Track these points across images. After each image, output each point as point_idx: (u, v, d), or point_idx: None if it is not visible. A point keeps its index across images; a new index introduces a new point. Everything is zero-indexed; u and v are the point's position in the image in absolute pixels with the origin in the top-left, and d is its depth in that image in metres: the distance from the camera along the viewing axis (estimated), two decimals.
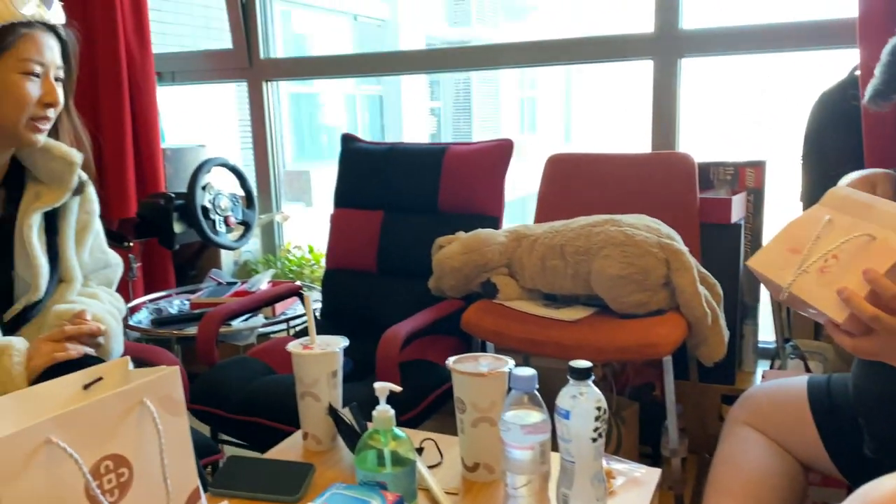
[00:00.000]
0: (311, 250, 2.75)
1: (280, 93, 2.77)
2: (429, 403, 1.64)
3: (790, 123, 1.86)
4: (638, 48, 2.13)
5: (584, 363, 0.93)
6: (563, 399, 0.93)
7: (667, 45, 2.06)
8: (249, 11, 2.61)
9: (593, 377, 0.93)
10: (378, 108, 9.22)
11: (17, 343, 1.13)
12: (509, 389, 0.95)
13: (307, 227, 3.00)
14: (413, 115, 9.34)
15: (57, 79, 1.20)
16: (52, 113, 1.19)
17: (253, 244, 2.73)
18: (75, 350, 1.14)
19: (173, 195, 2.24)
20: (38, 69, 1.15)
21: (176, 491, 0.81)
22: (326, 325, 2.07)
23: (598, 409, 0.92)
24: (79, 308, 1.24)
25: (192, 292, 2.32)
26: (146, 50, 2.49)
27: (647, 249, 1.56)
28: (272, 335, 2.18)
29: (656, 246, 1.57)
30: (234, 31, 2.64)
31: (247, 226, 2.38)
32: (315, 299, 2.19)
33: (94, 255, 1.38)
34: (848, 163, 1.74)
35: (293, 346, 1.20)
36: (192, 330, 1.94)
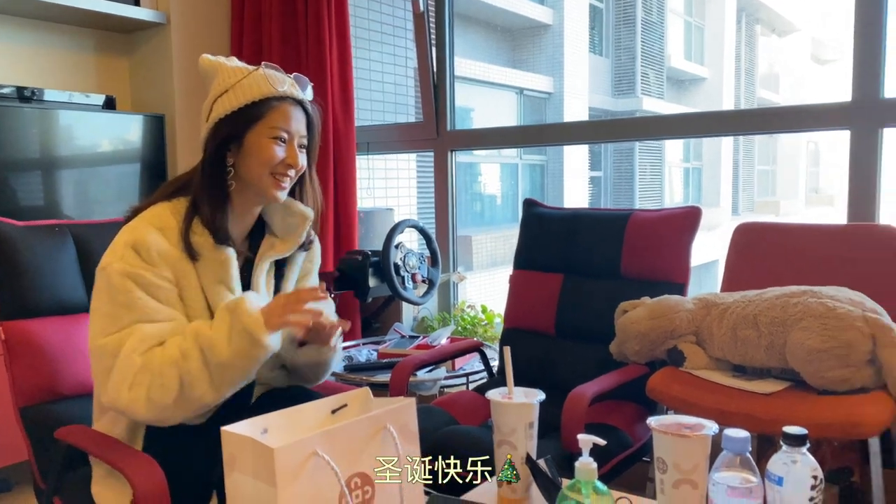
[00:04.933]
0: (484, 310, 2.86)
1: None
2: (612, 467, 1.64)
3: None
4: (833, 118, 2.08)
5: (799, 429, 0.92)
6: (776, 465, 0.93)
7: (868, 114, 1.99)
8: (440, 89, 2.84)
9: (809, 445, 0.92)
10: (539, 177, 9.39)
11: (250, 294, 1.28)
12: (713, 453, 0.95)
13: (469, 289, 3.12)
14: (574, 184, 9.41)
15: (300, 146, 1.40)
16: (292, 173, 1.38)
17: (430, 302, 2.88)
18: (308, 316, 1.25)
19: (370, 252, 2.45)
20: (284, 136, 1.35)
21: None
22: (502, 383, 2.12)
23: (815, 478, 0.90)
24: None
25: (378, 343, 2.48)
26: (350, 123, 2.78)
27: (851, 323, 1.50)
28: (451, 388, 2.27)
29: (861, 319, 1.50)
30: (425, 106, 2.88)
31: (431, 283, 2.53)
32: (491, 357, 2.27)
33: None
34: None
35: (493, 395, 1.28)
36: (381, 377, 2.09)
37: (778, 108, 2.18)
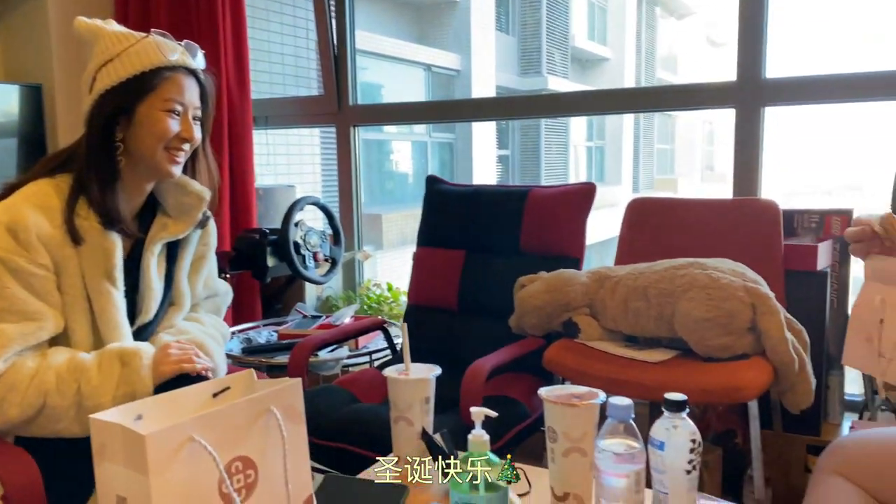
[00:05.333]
0: (389, 288, 2.84)
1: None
2: (509, 438, 1.67)
3: (880, 172, 1.85)
4: (720, 97, 2.17)
5: (679, 396, 0.96)
6: (658, 431, 0.96)
7: (750, 94, 2.08)
8: (341, 61, 2.77)
9: (688, 410, 0.95)
10: (449, 155, 9.42)
11: (146, 348, 1.24)
12: (601, 421, 0.98)
13: (378, 267, 3.10)
14: (482, 162, 9.50)
15: (195, 118, 1.33)
16: (187, 147, 1.31)
17: (334, 281, 2.83)
18: (202, 364, 1.24)
19: (267, 231, 2.37)
20: (178, 108, 1.28)
21: (295, 495, 0.87)
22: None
23: (693, 441, 0.94)
24: (185, 338, 1.34)
25: (279, 324, 2.42)
26: (245, 95, 2.67)
27: (733, 293, 1.57)
28: (354, 367, 2.25)
29: (742, 290, 1.58)
30: (325, 79, 2.81)
31: (333, 262, 2.48)
32: (395, 334, 2.26)
33: (206, 283, 1.49)
34: None
35: (389, 372, 1.27)
36: (281, 359, 2.03)
37: (669, 86, 2.26)
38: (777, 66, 2.12)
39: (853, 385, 2.02)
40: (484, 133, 9.48)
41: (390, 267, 6.02)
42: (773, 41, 2.10)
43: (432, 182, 2.27)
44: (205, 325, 1.46)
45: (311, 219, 2.57)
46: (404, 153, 9.17)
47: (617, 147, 11.94)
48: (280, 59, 4.49)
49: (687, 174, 14.34)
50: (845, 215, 1.92)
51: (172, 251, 1.41)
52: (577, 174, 11.42)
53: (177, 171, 1.31)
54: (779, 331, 1.54)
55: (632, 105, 2.63)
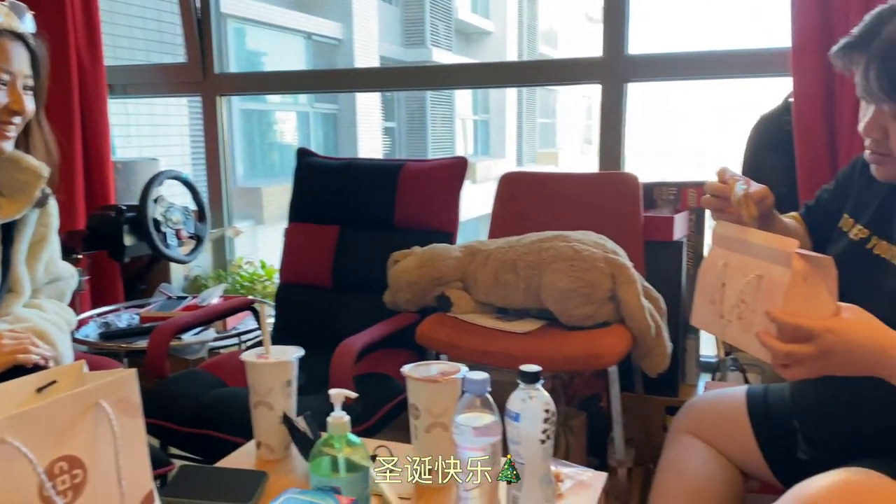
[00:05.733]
0: (263, 266, 2.75)
1: (233, 108, 2.77)
2: (383, 415, 1.66)
3: (731, 146, 1.96)
4: (587, 72, 2.22)
5: (533, 367, 0.97)
6: (514, 402, 0.97)
7: (614, 70, 2.14)
8: (204, 26, 2.62)
9: (542, 381, 0.97)
10: (332, 127, 9.23)
11: None
12: (463, 394, 0.98)
13: (258, 244, 2.99)
14: (368, 134, 9.38)
15: (26, 87, 1.20)
16: (18, 120, 1.19)
17: (203, 259, 2.70)
18: (38, 354, 1.14)
19: (124, 207, 2.22)
20: (5, 77, 1.15)
21: (130, 494, 0.81)
22: (280, 340, 2.05)
23: (547, 411, 0.96)
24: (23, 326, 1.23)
25: (142, 306, 2.28)
26: (98, 62, 2.47)
27: (594, 264, 1.62)
28: (223, 349, 2.16)
29: (602, 261, 1.63)
30: (188, 45, 2.64)
31: (198, 240, 2.36)
32: (268, 314, 2.19)
33: (48, 267, 1.37)
34: (783, 184, 1.84)
35: (247, 356, 1.21)
36: (142, 343, 1.92)
37: (543, 61, 2.29)
38: (647, 43, 2.19)
39: (709, 347, 2.15)
40: (369, 104, 9.35)
41: (272, 242, 5.84)
42: (642, 19, 2.16)
43: (303, 155, 2.19)
44: (46, 311, 1.35)
45: (177, 194, 2.42)
46: (289, 124, 8.89)
47: (501, 121, 12.13)
48: (142, 23, 4.18)
49: (567, 148, 14.81)
50: (700, 187, 2.03)
51: (8, 234, 1.29)
52: (465, 147, 11.52)
53: (8, 146, 1.20)
54: (636, 299, 1.61)
55: (509, 79, 2.65)
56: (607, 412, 1.97)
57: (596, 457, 1.99)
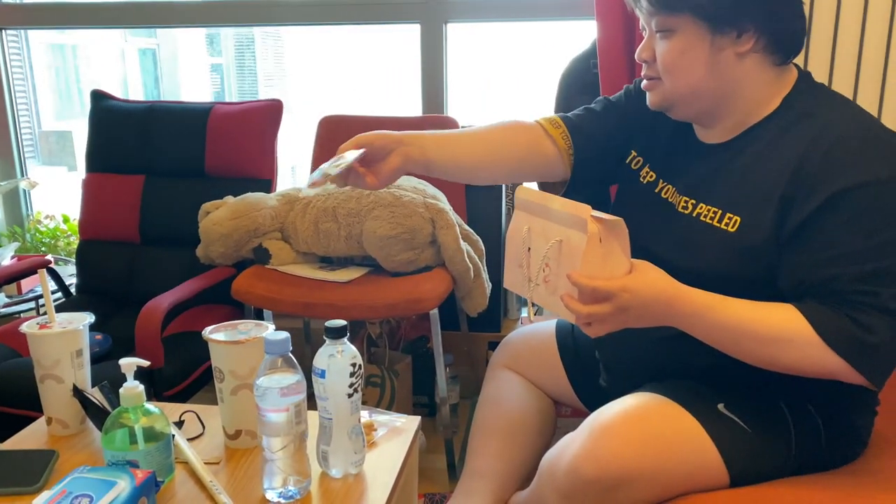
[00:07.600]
0: (66, 220, 2.49)
1: (31, 42, 2.44)
2: (198, 376, 1.58)
3: (547, 88, 2.01)
4: (407, 12, 2.17)
5: (339, 322, 0.95)
6: (320, 359, 0.95)
7: (433, 10, 2.11)
8: None
9: (348, 335, 0.95)
10: (152, 64, 8.49)
11: None
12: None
13: (71, 193, 2.70)
14: (193, 71, 8.73)
15: None
16: None
17: None
18: None
19: None
20: None
21: None
22: (84, 301, 1.90)
23: (354, 365, 0.95)
24: None
25: None
26: None
27: (414, 210, 1.62)
28: (19, 315, 1.95)
29: (422, 206, 1.63)
30: None
31: None
32: (70, 273, 2.00)
33: None
34: None
35: (28, 326, 1.09)
36: None
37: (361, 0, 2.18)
38: None
39: None
40: (192, 39, 8.67)
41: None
42: None
43: (98, 98, 1.99)
44: None
45: None
46: (105, 61, 8.05)
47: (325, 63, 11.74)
48: None
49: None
50: None
51: None
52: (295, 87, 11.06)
53: None
54: (455, 242, 1.63)
55: (326, 16, 2.52)
56: (435, 352, 2.02)
57: (425, 395, 2.04)
